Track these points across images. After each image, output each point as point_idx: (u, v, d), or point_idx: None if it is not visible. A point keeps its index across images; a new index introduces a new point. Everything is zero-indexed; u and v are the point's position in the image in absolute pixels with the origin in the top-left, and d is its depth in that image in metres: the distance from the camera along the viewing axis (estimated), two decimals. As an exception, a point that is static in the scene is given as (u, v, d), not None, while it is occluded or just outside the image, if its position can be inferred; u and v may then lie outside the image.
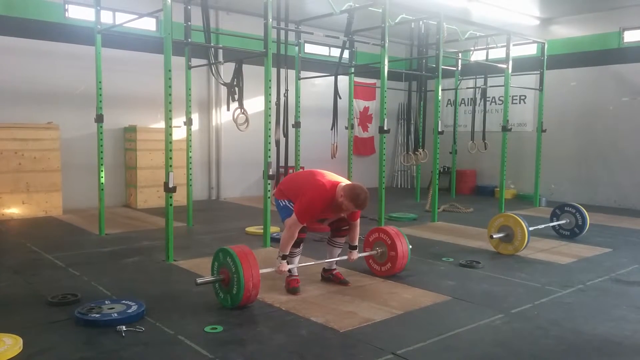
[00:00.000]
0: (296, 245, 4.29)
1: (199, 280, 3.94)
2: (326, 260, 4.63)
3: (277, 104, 7.49)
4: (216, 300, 4.04)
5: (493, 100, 11.42)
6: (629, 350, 3.33)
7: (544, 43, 9.54)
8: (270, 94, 5.79)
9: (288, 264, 4.28)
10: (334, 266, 4.66)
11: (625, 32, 9.77)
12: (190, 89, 7.14)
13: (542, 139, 9.71)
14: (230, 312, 3.84)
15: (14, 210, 7.72)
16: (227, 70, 7.47)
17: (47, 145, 7.95)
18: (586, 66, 10.21)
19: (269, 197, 5.82)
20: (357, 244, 4.55)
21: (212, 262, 4.10)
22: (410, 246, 4.85)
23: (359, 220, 4.49)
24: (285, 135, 7.79)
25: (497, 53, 10.01)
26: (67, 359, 3.07)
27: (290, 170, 8.24)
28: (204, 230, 7.09)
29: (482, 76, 10.20)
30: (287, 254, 4.20)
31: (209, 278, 4.01)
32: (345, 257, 4.56)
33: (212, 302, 4.05)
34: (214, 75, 7.03)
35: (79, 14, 8.61)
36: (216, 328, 3.51)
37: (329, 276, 4.62)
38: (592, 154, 10.22)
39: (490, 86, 10.12)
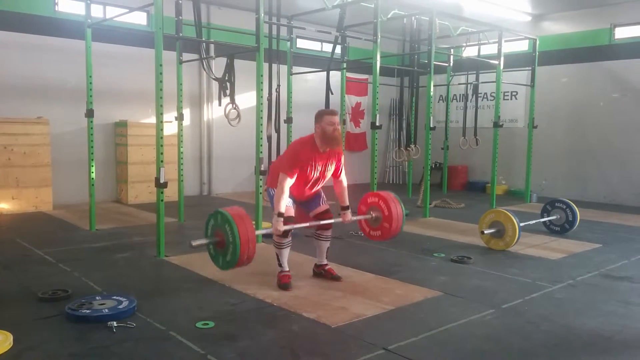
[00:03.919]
0: (284, 235, 4.28)
1: (194, 243, 3.91)
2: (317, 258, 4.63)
3: (269, 99, 7.47)
4: (207, 296, 4.03)
5: (485, 96, 11.45)
6: (619, 345, 3.36)
7: (536, 39, 9.57)
8: (262, 89, 5.76)
9: (279, 260, 4.29)
10: (325, 261, 4.66)
11: (615, 28, 9.82)
12: (181, 84, 7.10)
13: (533, 135, 9.76)
14: (222, 308, 3.84)
15: (4, 206, 7.66)
16: (218, 65, 7.45)
17: (36, 140, 7.89)
18: (577, 62, 10.26)
19: (260, 193, 5.81)
20: (348, 204, 4.55)
21: (206, 226, 4.03)
22: (407, 212, 4.72)
23: (344, 176, 4.52)
24: (277, 130, 7.77)
25: (489, 49, 10.03)
26: (58, 354, 3.05)
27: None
28: (196, 226, 7.05)
29: (474, 72, 10.23)
30: (283, 211, 4.14)
31: (203, 240, 3.95)
32: (339, 220, 4.53)
33: (203, 298, 4.05)
34: (205, 70, 7.00)
35: (68, 7, 8.53)
36: (208, 324, 3.51)
37: (320, 272, 4.62)
38: (582, 150, 10.29)
39: (482, 82, 10.14)
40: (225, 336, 3.35)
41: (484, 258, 5.49)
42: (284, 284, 4.29)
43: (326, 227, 4.53)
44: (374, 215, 4.77)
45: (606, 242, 6.33)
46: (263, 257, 5.08)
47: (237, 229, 3.72)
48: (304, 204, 4.52)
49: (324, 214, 4.50)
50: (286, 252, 4.41)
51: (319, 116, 4.26)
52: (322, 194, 4.58)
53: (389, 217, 4.66)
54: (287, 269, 4.42)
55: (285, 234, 4.28)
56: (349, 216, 4.55)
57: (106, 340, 3.23)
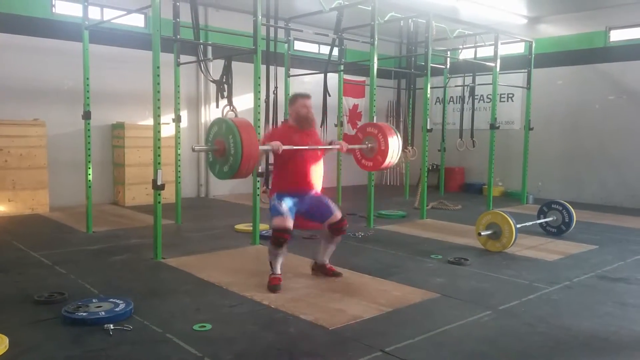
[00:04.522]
0: (279, 245, 4.28)
1: (196, 147, 3.90)
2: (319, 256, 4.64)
3: (267, 102, 7.48)
4: (205, 298, 4.03)
5: (481, 98, 11.48)
6: (615, 346, 3.37)
7: (532, 42, 9.60)
8: (259, 92, 5.78)
9: (272, 265, 4.34)
10: (327, 261, 4.65)
11: (611, 31, 9.87)
12: (179, 86, 7.11)
13: (529, 137, 9.78)
14: (219, 310, 3.84)
15: (0, 208, 7.64)
16: (216, 67, 7.44)
17: (33, 142, 7.87)
18: (573, 65, 10.30)
19: (258, 195, 5.81)
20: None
21: (208, 131, 3.98)
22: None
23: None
24: (275, 132, 7.77)
25: (486, 51, 10.08)
26: (54, 357, 3.04)
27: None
28: (193, 228, 7.05)
29: (471, 74, 10.26)
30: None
31: (205, 147, 3.91)
32: (337, 147, 4.56)
33: (200, 300, 4.04)
34: (203, 72, 6.99)
35: (66, 9, 8.52)
36: (205, 326, 3.50)
37: (322, 268, 4.63)
38: (578, 151, 10.31)
39: (479, 84, 10.17)
40: (223, 339, 3.34)
41: (481, 259, 5.50)
42: (273, 286, 4.28)
43: (341, 233, 4.53)
44: (369, 145, 4.76)
45: (602, 244, 6.35)
46: (261, 259, 5.08)
47: (240, 142, 3.64)
48: (314, 214, 4.46)
49: (341, 223, 4.47)
50: (280, 260, 4.41)
51: (293, 100, 4.48)
52: (329, 200, 4.54)
53: (383, 152, 4.65)
54: (279, 273, 4.40)
55: (280, 244, 4.27)
56: (345, 144, 4.61)
57: (103, 343, 3.22)
